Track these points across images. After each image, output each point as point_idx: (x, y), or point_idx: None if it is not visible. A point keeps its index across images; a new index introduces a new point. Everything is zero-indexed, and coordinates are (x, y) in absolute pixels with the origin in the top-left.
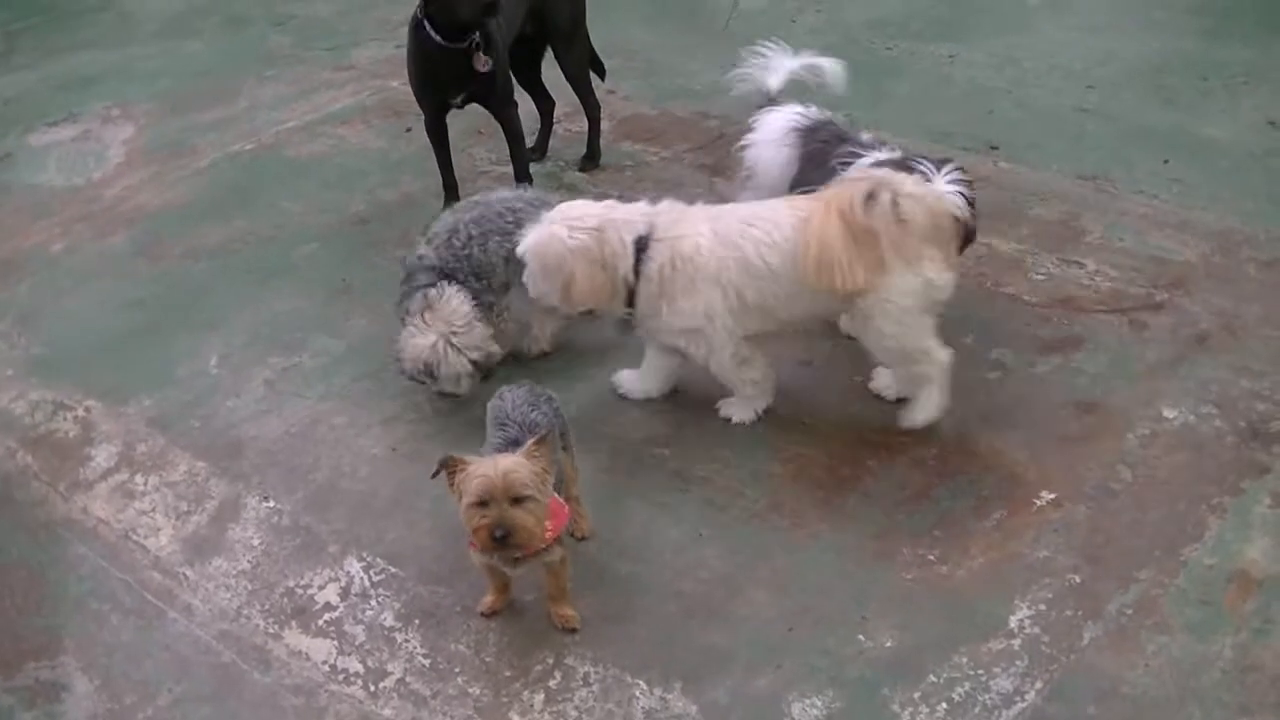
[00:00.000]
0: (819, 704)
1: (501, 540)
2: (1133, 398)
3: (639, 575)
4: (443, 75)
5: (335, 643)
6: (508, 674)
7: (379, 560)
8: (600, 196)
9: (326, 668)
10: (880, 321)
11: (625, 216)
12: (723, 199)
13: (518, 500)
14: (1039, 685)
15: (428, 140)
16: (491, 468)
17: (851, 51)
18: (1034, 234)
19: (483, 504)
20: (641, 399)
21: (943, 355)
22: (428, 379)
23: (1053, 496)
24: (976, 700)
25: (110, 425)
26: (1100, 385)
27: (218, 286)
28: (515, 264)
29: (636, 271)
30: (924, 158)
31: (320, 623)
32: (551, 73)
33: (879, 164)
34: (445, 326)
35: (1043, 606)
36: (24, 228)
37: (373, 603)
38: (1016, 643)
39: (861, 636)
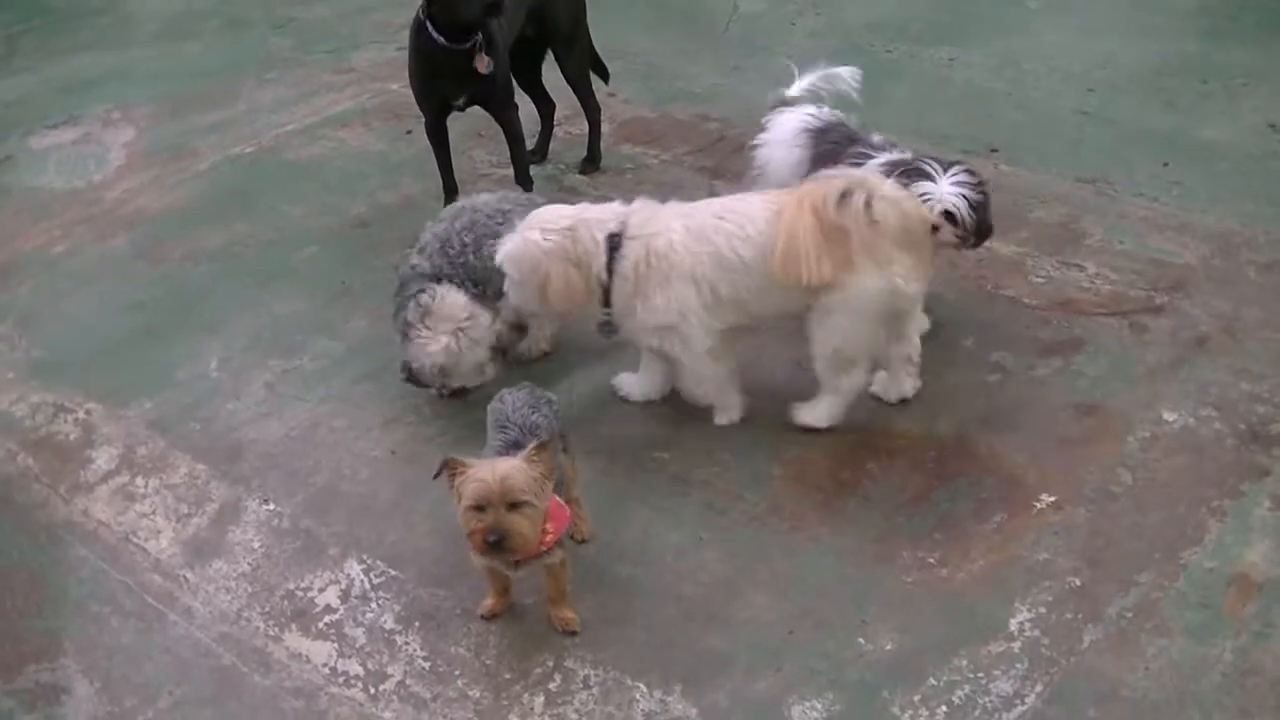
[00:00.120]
0: (819, 707)
1: (495, 545)
2: (1133, 400)
3: (639, 578)
4: (444, 76)
5: (335, 645)
6: (508, 676)
7: (379, 563)
8: (600, 199)
9: (327, 670)
10: (839, 318)
11: (598, 216)
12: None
13: (514, 505)
14: (1039, 688)
15: (428, 143)
16: (489, 472)
17: (851, 54)
18: (1034, 237)
19: (479, 508)
20: (641, 401)
21: (862, 377)
22: (443, 381)
23: (1053, 499)
24: (976, 703)
25: (111, 428)
26: (1100, 388)
27: (218, 289)
28: None
29: (610, 269)
30: (933, 158)
31: (320, 625)
32: (552, 75)
33: (890, 165)
34: (451, 324)
35: (1043, 609)
36: (24, 230)
37: (373, 605)
38: (1016, 645)
39: (861, 639)
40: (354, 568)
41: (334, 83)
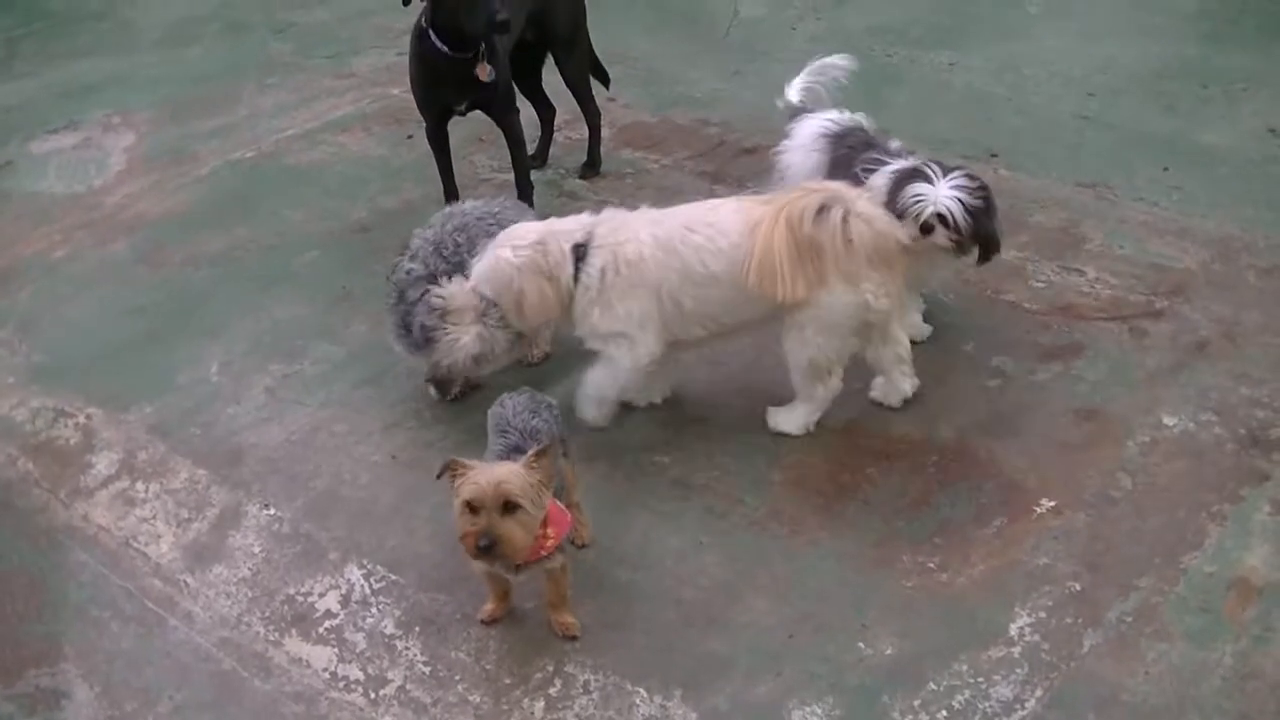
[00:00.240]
0: (819, 711)
1: (485, 550)
2: (1133, 405)
3: (639, 582)
4: (446, 84)
5: (335, 650)
6: (508, 681)
7: (379, 567)
8: (600, 204)
9: (327, 675)
10: (811, 332)
11: (565, 228)
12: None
13: (509, 510)
14: (1039, 693)
15: (428, 147)
16: (486, 475)
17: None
18: (1034, 241)
19: (474, 510)
20: (643, 406)
21: (837, 384)
22: (478, 371)
23: (1053, 504)
24: (977, 708)
25: (111, 432)
26: (1100, 393)
27: (219, 294)
28: None
29: (576, 278)
30: (937, 163)
31: (320, 630)
32: (552, 80)
33: (895, 171)
34: (472, 313)
35: (1043, 614)
36: (25, 235)
37: (373, 610)
38: (1016, 650)
39: (861, 644)
40: (354, 572)
41: (334, 87)
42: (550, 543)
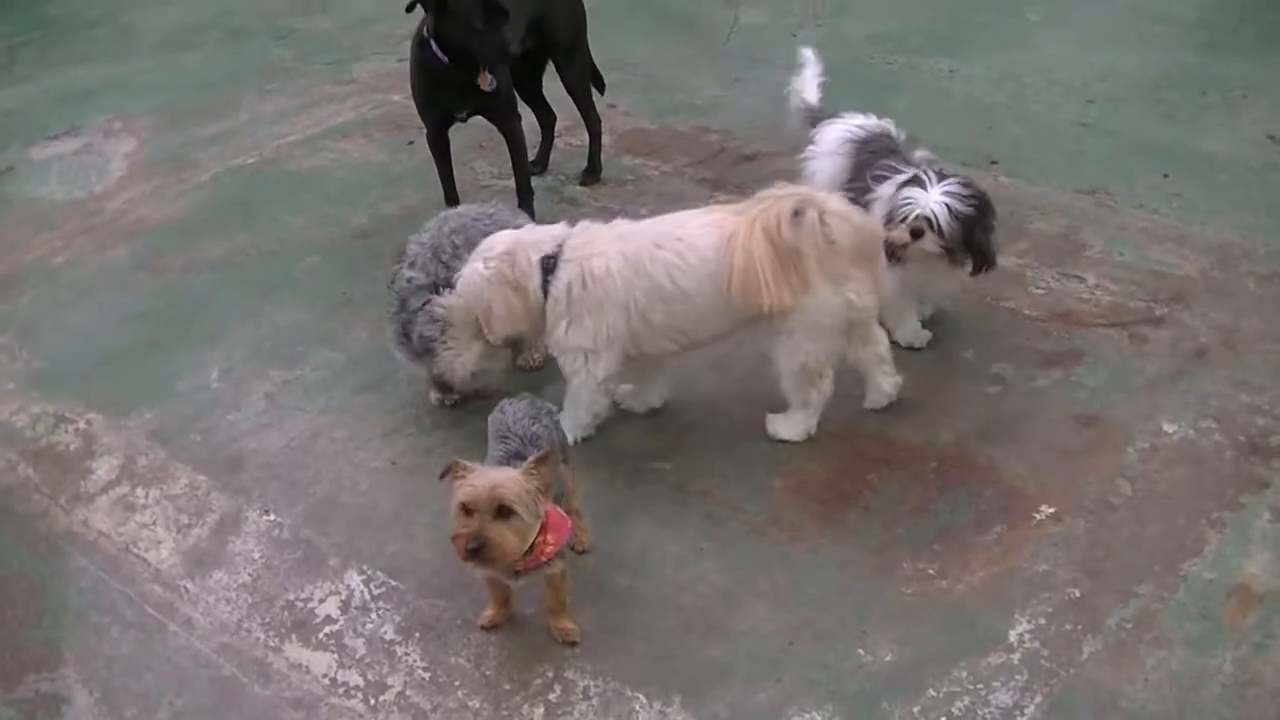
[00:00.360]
0: (819, 718)
1: (475, 553)
2: (1132, 412)
3: (639, 589)
4: (447, 91)
5: (335, 656)
6: (508, 687)
7: (379, 573)
8: (601, 210)
9: (327, 681)
10: (800, 338)
11: (535, 238)
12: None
13: (503, 515)
14: (1038, 699)
15: (429, 153)
16: (483, 478)
17: (852, 66)
18: (1034, 248)
19: (468, 512)
20: (642, 412)
21: (829, 386)
22: (475, 385)
23: (1052, 510)
24: (976, 714)
25: (111, 438)
26: (1100, 399)
27: (219, 300)
28: None
29: (545, 290)
30: (937, 170)
31: (320, 636)
32: (553, 86)
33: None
34: (472, 329)
35: (1042, 620)
36: (25, 241)
37: (373, 616)
38: (1016, 657)
39: (861, 650)
40: (354, 578)
41: (335, 94)
42: (550, 549)
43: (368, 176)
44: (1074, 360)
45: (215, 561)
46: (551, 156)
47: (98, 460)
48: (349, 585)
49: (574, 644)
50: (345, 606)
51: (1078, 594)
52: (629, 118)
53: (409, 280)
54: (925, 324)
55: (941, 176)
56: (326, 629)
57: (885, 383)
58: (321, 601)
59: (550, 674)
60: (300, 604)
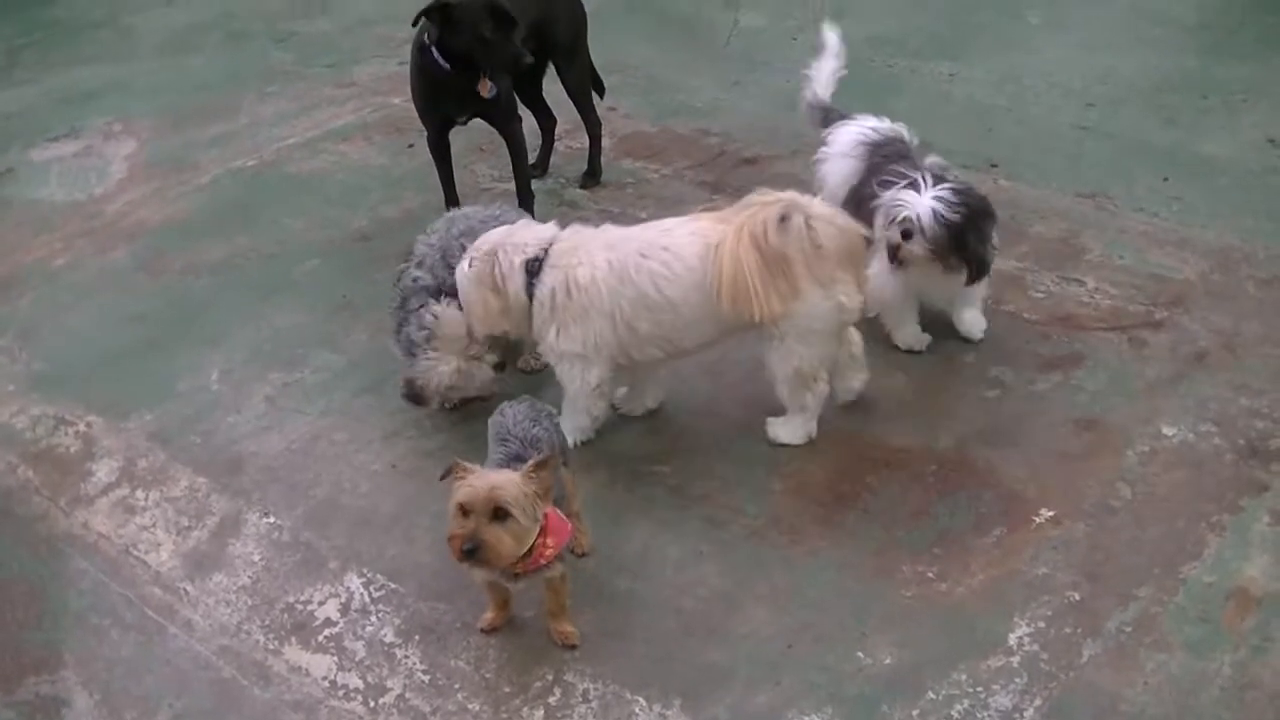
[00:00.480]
0: None
1: (469, 554)
2: (1132, 415)
3: (638, 592)
4: (448, 96)
5: (335, 658)
6: (507, 690)
7: (379, 576)
8: (601, 213)
9: (326, 683)
10: (792, 342)
11: (521, 240)
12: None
13: (499, 517)
14: (1038, 703)
15: (429, 156)
16: (482, 480)
17: (852, 69)
18: (1034, 251)
19: (465, 513)
20: (639, 414)
21: (825, 387)
22: (450, 397)
23: (1052, 514)
24: (975, 717)
25: (111, 440)
26: (1100, 403)
27: (219, 302)
28: None
29: (530, 294)
30: (939, 175)
31: (320, 638)
32: (553, 90)
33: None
34: (458, 344)
35: (1042, 624)
36: (25, 243)
37: (373, 618)
38: (1015, 660)
39: (861, 653)
40: (354, 581)
41: (335, 96)
42: (550, 551)
43: (368, 179)
44: (1074, 364)
45: (215, 564)
46: (551, 159)
47: (98, 462)
48: (349, 588)
49: (574, 647)
50: (345, 609)
51: (1077, 597)
52: (629, 120)
53: (414, 280)
54: (925, 328)
55: (939, 181)
56: (326, 631)
57: (855, 380)
58: (321, 604)
59: (550, 677)
60: (300, 606)
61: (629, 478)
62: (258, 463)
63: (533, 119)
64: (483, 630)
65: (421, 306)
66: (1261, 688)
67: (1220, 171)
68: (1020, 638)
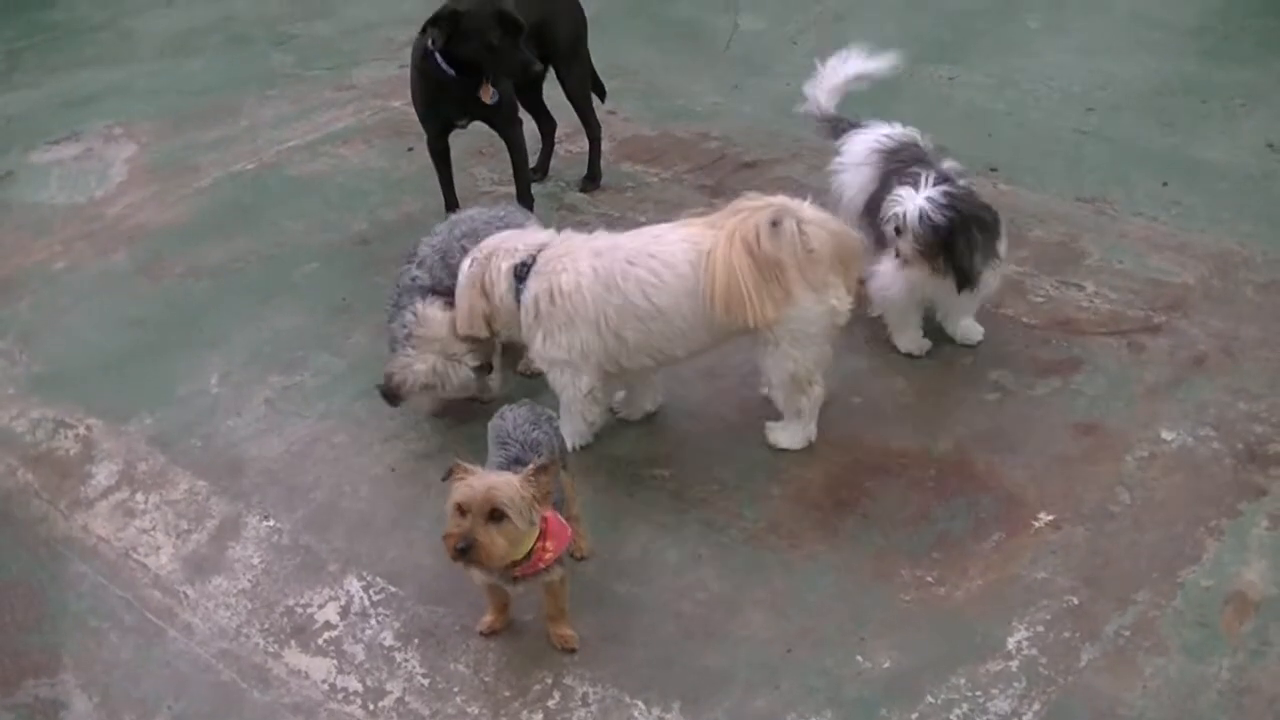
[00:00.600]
0: None
1: (462, 553)
2: (1131, 420)
3: (638, 596)
4: (449, 101)
5: (334, 661)
6: (506, 694)
7: (378, 579)
8: (601, 217)
9: (326, 687)
10: (787, 347)
11: (512, 244)
12: None
13: (495, 518)
14: (1037, 707)
15: (429, 159)
16: (481, 480)
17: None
18: (1033, 256)
19: (461, 513)
20: (637, 418)
21: (820, 391)
22: (429, 396)
23: (1051, 518)
24: None
25: (111, 443)
26: (1099, 407)
27: (219, 305)
28: None
29: (518, 299)
30: (943, 177)
31: (320, 641)
32: (553, 93)
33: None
34: (436, 344)
35: (1040, 628)
36: (25, 246)
37: (372, 622)
38: (1014, 664)
39: (860, 657)
40: (353, 584)
41: (335, 99)
42: (549, 555)
43: (367, 182)
44: (1073, 368)
45: (215, 567)
46: (552, 163)
47: (97, 465)
48: (348, 591)
49: (573, 650)
50: (344, 612)
51: (1076, 601)
52: (629, 124)
53: (413, 279)
54: (924, 332)
55: (941, 181)
56: (326, 635)
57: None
58: (321, 607)
59: (549, 680)
60: (300, 610)
61: (628, 482)
62: (257, 466)
63: (533, 122)
64: (482, 633)
65: (410, 305)
66: (1259, 692)
67: (1219, 176)
68: (1019, 642)
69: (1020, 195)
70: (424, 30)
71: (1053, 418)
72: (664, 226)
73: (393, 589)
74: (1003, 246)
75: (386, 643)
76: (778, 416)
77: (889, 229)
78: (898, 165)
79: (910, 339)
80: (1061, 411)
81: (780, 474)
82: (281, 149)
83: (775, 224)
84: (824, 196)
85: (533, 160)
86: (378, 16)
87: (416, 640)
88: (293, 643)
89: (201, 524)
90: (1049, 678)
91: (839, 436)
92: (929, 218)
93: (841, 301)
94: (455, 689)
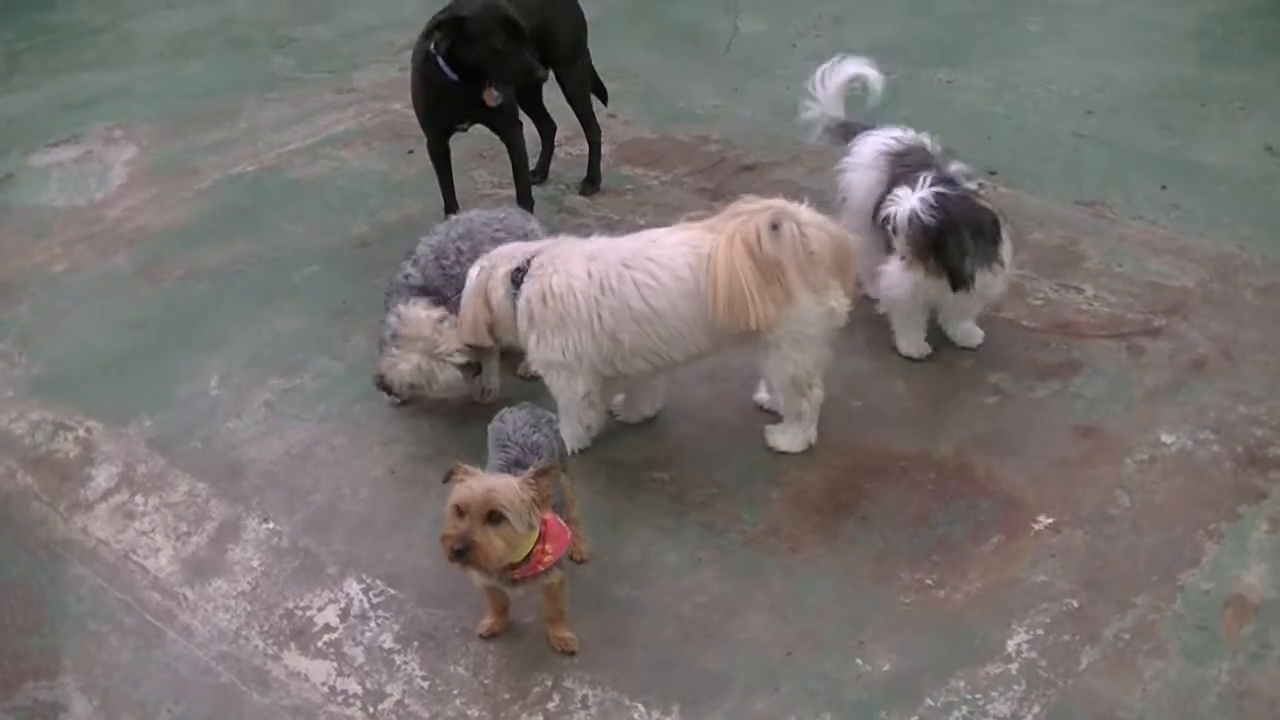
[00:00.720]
0: None
1: (459, 554)
2: (1131, 423)
3: (637, 598)
4: (451, 104)
5: (334, 664)
6: (506, 696)
7: (378, 582)
8: (600, 220)
9: (325, 689)
10: (787, 349)
11: (511, 252)
12: None
13: (492, 520)
14: (1036, 710)
15: (429, 162)
16: (480, 482)
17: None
18: (1032, 259)
19: (460, 514)
20: (635, 421)
21: (820, 393)
22: (418, 394)
23: (1050, 521)
24: None
25: (111, 446)
26: (1098, 410)
27: (219, 307)
28: None
29: (515, 304)
30: (945, 178)
31: (319, 644)
32: (553, 96)
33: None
34: (421, 344)
35: (1040, 631)
36: (25, 248)
37: (372, 624)
38: (1014, 667)
39: (859, 660)
40: (353, 587)
41: (335, 102)
42: (548, 558)
43: (367, 185)
44: (1072, 371)
45: (214, 569)
46: (552, 166)
47: (97, 468)
48: (348, 593)
49: (572, 653)
50: (344, 615)
51: (1075, 604)
52: (629, 127)
53: (405, 276)
54: (926, 335)
55: (940, 183)
56: (325, 637)
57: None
58: (320, 610)
59: (549, 683)
60: (299, 612)
61: (628, 484)
62: (257, 468)
63: (533, 125)
64: (482, 636)
65: (397, 305)
66: (1259, 695)
67: (1218, 179)
68: (1018, 645)
69: (1019, 198)
70: (426, 34)
71: (1052, 421)
72: (661, 230)
73: (392, 591)
74: (1005, 251)
75: (386, 645)
76: (777, 419)
77: (888, 229)
78: (905, 169)
79: (912, 341)
80: (1061, 414)
81: (780, 477)
82: (281, 152)
83: (775, 226)
84: (823, 199)
85: (532, 163)
86: (378, 20)
87: (416, 643)
88: (292, 645)
89: (201, 526)
90: (1049, 681)
91: (839, 439)
92: (918, 218)
93: (840, 303)
94: (455, 691)
